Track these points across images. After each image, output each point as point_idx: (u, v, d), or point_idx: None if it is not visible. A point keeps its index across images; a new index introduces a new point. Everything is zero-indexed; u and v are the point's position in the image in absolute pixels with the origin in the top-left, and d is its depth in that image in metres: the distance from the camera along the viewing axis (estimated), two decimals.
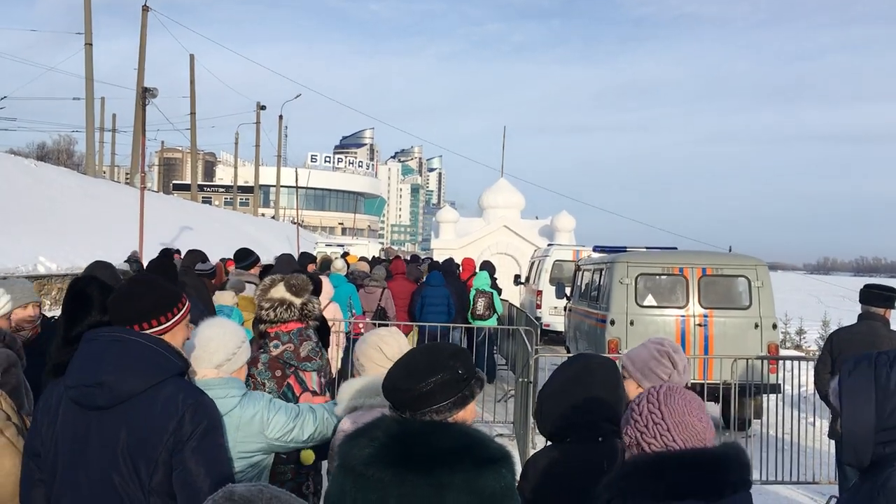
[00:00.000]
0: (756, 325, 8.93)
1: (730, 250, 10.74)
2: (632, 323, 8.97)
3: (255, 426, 2.85)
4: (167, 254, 7.14)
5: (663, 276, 9.22)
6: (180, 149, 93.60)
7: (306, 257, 12.50)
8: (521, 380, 8.10)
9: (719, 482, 1.87)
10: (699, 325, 8.97)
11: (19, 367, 3.48)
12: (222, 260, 11.32)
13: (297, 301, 3.93)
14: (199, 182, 78.02)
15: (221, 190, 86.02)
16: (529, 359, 7.62)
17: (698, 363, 8.67)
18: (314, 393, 3.64)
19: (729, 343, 8.77)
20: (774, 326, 9.04)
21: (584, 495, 2.28)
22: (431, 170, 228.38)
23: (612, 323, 8.99)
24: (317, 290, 4.99)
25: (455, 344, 2.42)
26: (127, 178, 52.85)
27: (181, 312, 2.62)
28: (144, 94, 24.12)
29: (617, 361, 2.99)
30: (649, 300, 9.13)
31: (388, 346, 2.97)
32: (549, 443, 2.72)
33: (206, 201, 70.71)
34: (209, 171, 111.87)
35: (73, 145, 67.30)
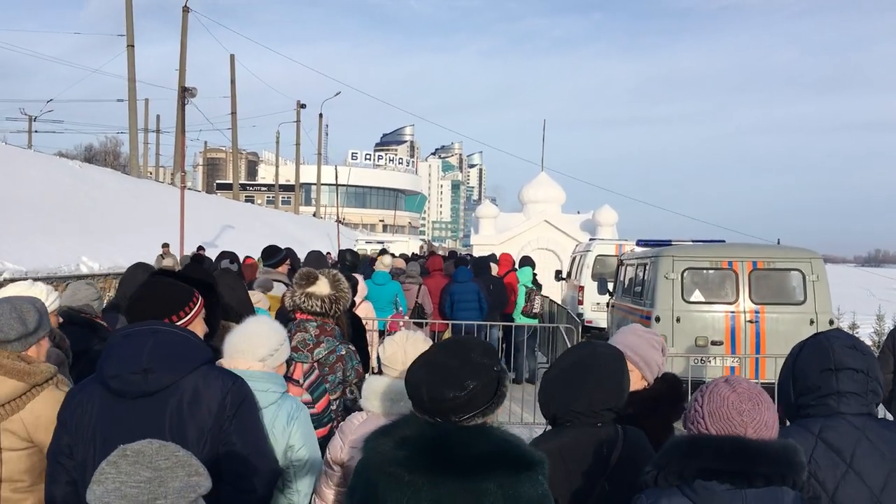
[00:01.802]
0: (811, 322, 8.45)
1: (778, 243, 10.25)
2: (678, 319, 8.56)
3: (281, 428, 2.87)
4: (198, 258, 6.92)
5: (711, 270, 8.78)
6: (223, 149, 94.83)
7: (346, 253, 12.30)
8: None
9: (748, 471, 1.91)
10: (750, 321, 8.52)
11: (66, 367, 3.59)
12: (248, 258, 11.17)
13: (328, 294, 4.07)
14: (242, 181, 78.92)
15: (263, 189, 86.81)
16: None
17: (749, 362, 8.24)
18: (295, 382, 3.50)
19: (782, 340, 8.28)
20: (831, 322, 8.54)
21: (582, 479, 2.45)
22: (472, 166, 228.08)
23: (658, 319, 8.59)
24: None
25: (476, 337, 2.21)
26: (172, 179, 53.60)
27: (197, 306, 2.88)
28: (184, 94, 24.24)
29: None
30: (696, 295, 8.71)
31: (413, 350, 2.83)
32: (548, 427, 2.68)
33: (249, 200, 71.49)
34: (252, 171, 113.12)
35: (120, 147, 68.50)
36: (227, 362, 2.94)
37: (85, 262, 19.25)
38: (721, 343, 8.50)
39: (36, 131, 53.55)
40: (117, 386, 2.49)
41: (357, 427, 2.92)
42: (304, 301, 4.06)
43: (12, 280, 16.61)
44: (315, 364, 3.86)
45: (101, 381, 2.55)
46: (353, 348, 4.18)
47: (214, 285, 3.51)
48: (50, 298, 3.65)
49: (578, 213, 28.88)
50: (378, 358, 3.09)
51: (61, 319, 3.85)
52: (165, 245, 20.32)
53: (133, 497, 1.59)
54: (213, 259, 10.16)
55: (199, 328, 2.87)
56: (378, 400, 2.89)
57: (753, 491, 1.91)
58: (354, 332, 5.05)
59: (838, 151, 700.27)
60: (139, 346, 2.52)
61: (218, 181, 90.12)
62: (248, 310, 4.80)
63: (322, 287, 4.10)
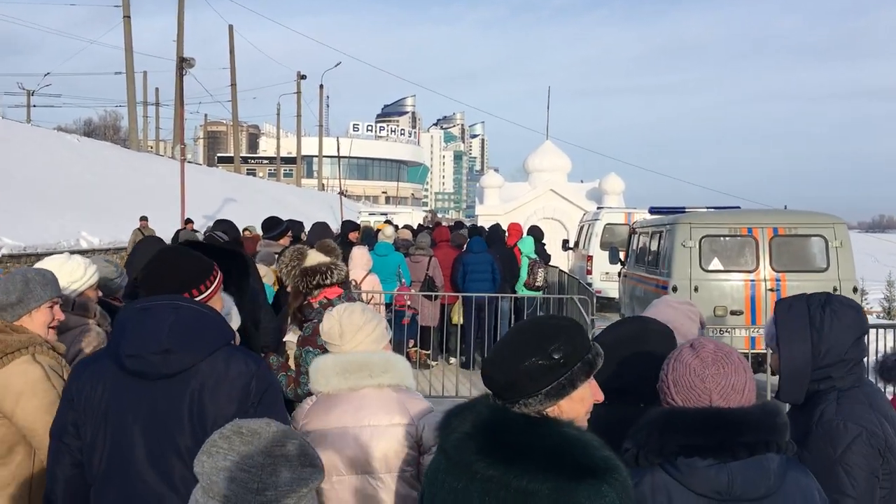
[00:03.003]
0: (835, 289, 8.13)
1: (784, 209, 9.91)
2: (696, 289, 8.26)
3: None
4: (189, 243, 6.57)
5: (730, 238, 8.45)
6: (224, 122, 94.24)
7: (349, 225, 12.00)
8: None
9: (728, 442, 1.83)
10: (771, 289, 8.21)
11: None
12: (246, 229, 10.80)
13: (338, 262, 3.82)
14: (243, 154, 78.30)
15: (265, 162, 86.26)
16: (588, 332, 6.95)
17: None
18: None
19: None
20: (855, 290, 8.23)
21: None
22: (474, 136, 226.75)
23: (675, 289, 8.28)
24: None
25: (562, 318, 1.96)
26: (172, 152, 53.17)
27: (217, 280, 2.66)
28: (182, 64, 23.77)
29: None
30: (715, 264, 8.39)
31: (350, 323, 2.78)
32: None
33: (251, 173, 70.97)
34: (253, 144, 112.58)
35: (120, 121, 68.02)
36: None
37: (84, 237, 18.98)
38: (741, 313, 8.21)
39: (34, 106, 53.11)
40: (135, 366, 2.29)
41: (307, 411, 2.76)
42: (327, 271, 3.77)
43: (11, 256, 16.38)
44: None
45: (115, 358, 2.33)
46: None
47: (243, 255, 3.26)
48: (88, 272, 3.38)
49: (582, 182, 28.48)
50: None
51: (100, 293, 3.60)
52: (143, 218, 18.93)
53: (242, 482, 1.49)
54: (205, 232, 9.85)
55: (217, 304, 2.68)
56: (325, 378, 2.72)
57: (738, 463, 1.83)
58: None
59: (843, 118, 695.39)
60: (159, 323, 2.31)
61: (219, 154, 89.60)
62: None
63: (315, 256, 3.83)
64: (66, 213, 20.10)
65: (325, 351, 3.55)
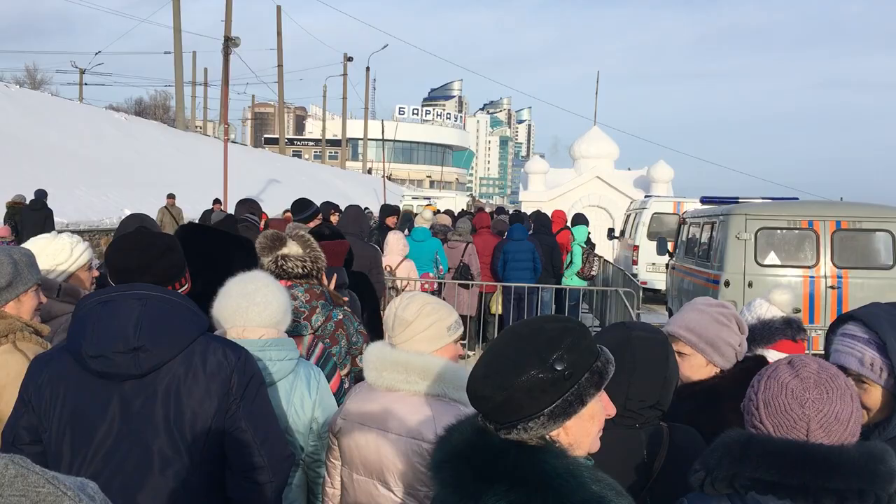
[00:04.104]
0: None
1: (840, 200, 9.33)
2: (750, 284, 7.77)
3: (301, 399, 2.53)
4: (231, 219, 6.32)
5: (789, 231, 7.94)
6: (271, 103, 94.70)
7: (387, 210, 11.72)
8: None
9: (813, 485, 1.52)
10: (832, 287, 7.70)
11: None
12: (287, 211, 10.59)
13: (299, 252, 3.54)
14: (289, 136, 78.73)
15: (311, 143, 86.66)
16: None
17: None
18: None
19: None
20: None
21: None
22: (521, 121, 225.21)
23: (727, 284, 7.82)
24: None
25: (564, 319, 1.62)
26: (216, 133, 53.58)
27: (185, 287, 2.45)
28: (227, 44, 23.73)
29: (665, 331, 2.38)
30: (771, 258, 7.89)
31: (403, 314, 2.45)
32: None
33: (297, 155, 71.35)
34: (300, 126, 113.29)
35: (169, 101, 68.80)
36: (234, 332, 2.46)
37: (127, 214, 19.11)
38: (798, 311, 7.70)
39: (86, 84, 53.89)
40: (101, 367, 2.04)
41: (351, 393, 2.54)
42: (282, 264, 3.45)
43: (59, 231, 16.55)
44: (314, 336, 3.29)
45: (77, 358, 2.08)
46: (349, 310, 3.64)
47: (249, 241, 2.98)
48: (75, 253, 3.11)
49: (629, 169, 27.80)
50: None
51: (96, 273, 3.36)
52: (171, 196, 18.45)
53: None
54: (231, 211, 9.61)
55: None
56: (366, 368, 2.48)
57: None
58: (361, 293, 4.48)
59: None
60: (125, 317, 2.06)
61: (266, 136, 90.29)
62: None
63: (293, 248, 3.51)
64: (111, 190, 20.25)
65: None
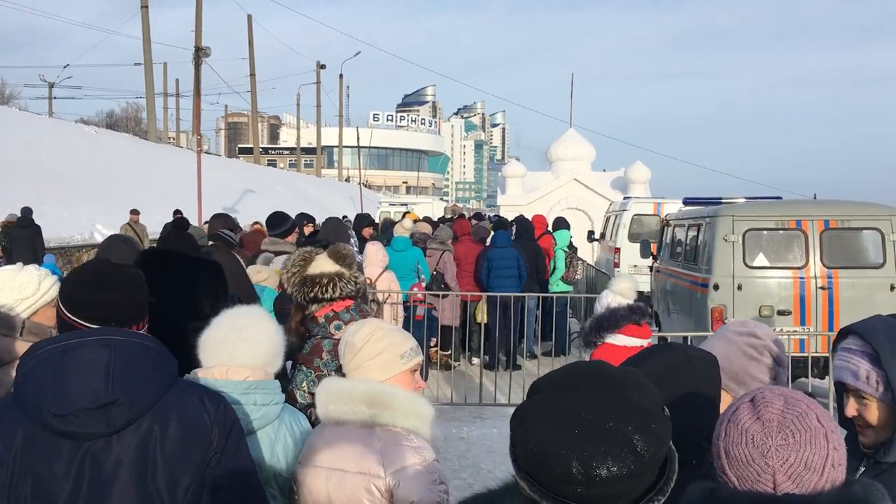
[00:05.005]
0: (892, 287, 7.50)
1: (814, 198, 9.25)
2: (739, 287, 7.63)
3: (284, 448, 2.28)
4: (180, 224, 6.01)
5: (777, 231, 7.81)
6: (245, 113, 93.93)
7: (363, 220, 11.45)
8: None
9: None
10: (822, 287, 7.57)
11: None
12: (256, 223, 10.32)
13: (349, 272, 3.28)
14: (264, 145, 77.99)
15: (285, 152, 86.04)
16: None
17: (822, 336, 7.31)
18: None
19: (858, 308, 7.32)
20: None
21: None
22: (495, 125, 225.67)
23: (716, 287, 7.66)
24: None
25: (630, 369, 1.44)
26: (189, 144, 52.95)
27: (145, 327, 2.16)
28: (198, 54, 23.35)
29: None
30: (760, 260, 7.75)
31: (354, 339, 2.32)
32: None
33: (272, 164, 70.77)
34: (274, 135, 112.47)
35: (141, 113, 67.91)
36: (217, 371, 2.21)
37: (99, 230, 18.64)
38: (788, 313, 7.58)
39: (56, 98, 53.11)
40: (66, 427, 1.76)
41: (308, 438, 2.35)
42: (329, 284, 3.22)
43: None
44: None
45: (32, 416, 1.79)
46: None
47: (214, 263, 2.75)
48: (43, 286, 2.71)
49: (605, 171, 27.77)
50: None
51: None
52: (134, 212, 17.46)
53: None
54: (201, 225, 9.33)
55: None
56: (317, 404, 2.32)
57: None
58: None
59: (877, 102, 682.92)
60: (92, 368, 1.79)
61: (240, 146, 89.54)
62: (250, 297, 4.04)
63: (325, 263, 3.28)
64: (82, 205, 19.80)
65: (320, 373, 3.07)
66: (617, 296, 4.19)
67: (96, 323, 2.00)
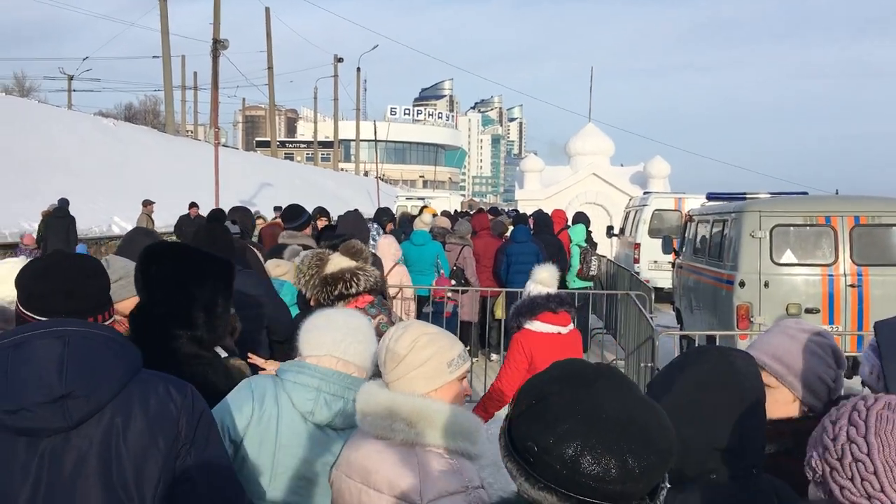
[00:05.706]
0: None
1: (836, 193, 9.04)
2: (766, 284, 7.44)
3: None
4: (216, 217, 5.88)
5: (805, 227, 7.61)
6: (262, 106, 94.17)
7: (383, 214, 11.37)
8: (642, 364, 6.69)
9: None
10: (851, 285, 7.37)
11: None
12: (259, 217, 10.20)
13: (366, 266, 3.32)
14: (281, 138, 78.30)
15: (303, 146, 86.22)
16: (654, 337, 6.18)
17: (852, 335, 7.11)
18: None
19: (889, 306, 7.13)
20: None
21: None
22: (512, 119, 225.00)
23: (742, 284, 7.48)
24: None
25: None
26: (206, 136, 53.06)
27: (110, 321, 2.12)
28: (216, 46, 23.33)
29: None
30: (787, 256, 7.56)
31: (397, 346, 2.11)
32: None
33: (289, 157, 70.88)
34: (291, 128, 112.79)
35: (160, 105, 68.18)
36: (328, 361, 2.31)
37: (117, 222, 18.68)
38: (817, 311, 7.38)
39: (75, 90, 53.40)
40: (20, 424, 1.70)
41: (347, 441, 2.21)
42: (352, 279, 3.17)
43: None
44: None
45: None
46: None
47: (227, 261, 2.65)
48: None
49: (622, 165, 27.52)
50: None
51: None
52: (147, 202, 17.51)
53: None
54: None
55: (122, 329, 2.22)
56: (357, 411, 2.14)
57: None
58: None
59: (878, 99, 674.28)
60: (43, 361, 1.73)
61: (258, 139, 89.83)
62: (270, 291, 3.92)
63: (341, 261, 3.18)
64: (100, 198, 19.84)
65: None
66: (538, 285, 4.38)
67: (47, 315, 1.94)
